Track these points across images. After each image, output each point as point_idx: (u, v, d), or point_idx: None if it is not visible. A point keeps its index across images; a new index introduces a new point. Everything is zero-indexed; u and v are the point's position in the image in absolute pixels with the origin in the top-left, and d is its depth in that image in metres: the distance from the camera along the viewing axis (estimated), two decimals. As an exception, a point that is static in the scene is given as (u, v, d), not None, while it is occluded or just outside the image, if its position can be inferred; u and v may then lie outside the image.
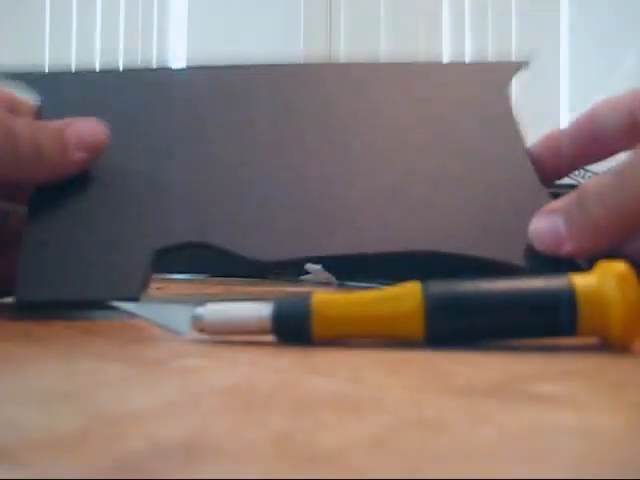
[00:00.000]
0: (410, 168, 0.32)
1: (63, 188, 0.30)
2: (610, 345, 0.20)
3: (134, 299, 0.28)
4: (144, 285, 0.29)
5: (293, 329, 0.20)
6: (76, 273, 0.28)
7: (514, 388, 0.15)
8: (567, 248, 0.27)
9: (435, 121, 0.34)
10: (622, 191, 0.25)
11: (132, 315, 0.22)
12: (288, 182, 0.31)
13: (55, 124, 0.29)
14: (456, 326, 0.20)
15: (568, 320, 0.19)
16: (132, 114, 0.33)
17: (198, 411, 0.14)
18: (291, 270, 0.53)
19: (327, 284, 0.50)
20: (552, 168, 0.32)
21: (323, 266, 0.50)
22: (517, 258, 0.29)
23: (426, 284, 0.20)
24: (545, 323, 0.20)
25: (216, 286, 0.47)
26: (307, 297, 0.20)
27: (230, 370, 0.17)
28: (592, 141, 0.31)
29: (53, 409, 0.14)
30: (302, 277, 0.52)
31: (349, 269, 0.50)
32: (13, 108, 0.32)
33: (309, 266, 0.51)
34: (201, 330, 0.21)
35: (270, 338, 0.21)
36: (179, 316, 0.21)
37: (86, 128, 0.29)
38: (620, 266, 0.19)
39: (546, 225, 0.28)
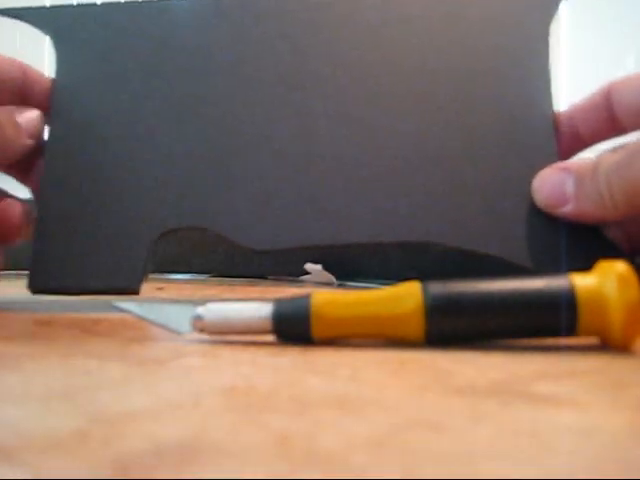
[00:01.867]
0: (415, 146, 0.30)
1: (68, 177, 0.30)
2: (610, 345, 0.20)
3: (134, 290, 0.28)
4: (144, 275, 0.29)
5: (293, 329, 0.20)
6: (81, 264, 0.29)
7: (514, 388, 0.15)
8: (569, 209, 0.26)
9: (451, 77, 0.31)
10: (625, 173, 0.25)
11: (132, 315, 0.22)
12: (285, 166, 0.30)
13: (5, 108, 0.29)
14: (456, 326, 0.20)
15: (568, 320, 0.19)
16: (137, 64, 0.32)
17: (198, 411, 0.14)
18: (291, 270, 0.53)
19: (327, 284, 0.50)
20: (566, 149, 0.30)
21: (323, 266, 0.50)
22: (521, 256, 0.28)
23: (426, 284, 0.20)
24: (545, 323, 0.20)
25: (216, 286, 0.47)
26: (307, 297, 0.20)
27: (230, 370, 0.17)
28: (607, 119, 0.29)
29: (53, 409, 0.14)
30: (302, 277, 0.52)
31: (349, 269, 0.50)
32: (25, 84, 0.32)
33: (309, 266, 0.51)
34: (201, 330, 0.21)
35: (270, 338, 0.21)
36: (179, 316, 0.21)
37: (31, 116, 0.31)
38: (620, 266, 0.19)
39: (555, 180, 0.27)
